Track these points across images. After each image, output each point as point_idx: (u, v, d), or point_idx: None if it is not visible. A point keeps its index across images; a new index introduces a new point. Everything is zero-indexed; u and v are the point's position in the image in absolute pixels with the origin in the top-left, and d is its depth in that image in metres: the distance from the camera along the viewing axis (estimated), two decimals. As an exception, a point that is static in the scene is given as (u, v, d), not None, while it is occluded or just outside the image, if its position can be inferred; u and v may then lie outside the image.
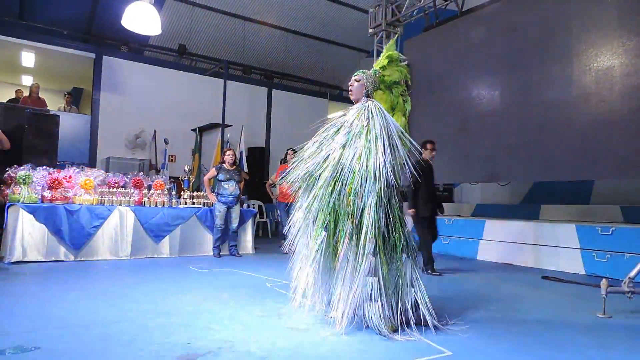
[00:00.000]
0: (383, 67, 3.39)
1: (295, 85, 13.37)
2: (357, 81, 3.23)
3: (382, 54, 3.45)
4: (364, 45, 12.40)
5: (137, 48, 10.89)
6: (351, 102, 3.31)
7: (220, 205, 6.29)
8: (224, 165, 6.44)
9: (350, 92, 3.26)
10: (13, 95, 10.02)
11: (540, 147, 5.87)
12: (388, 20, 8.33)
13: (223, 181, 6.34)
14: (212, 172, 6.51)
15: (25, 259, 5.15)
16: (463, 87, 7.11)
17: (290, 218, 3.16)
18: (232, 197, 6.35)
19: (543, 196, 7.76)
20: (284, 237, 4.10)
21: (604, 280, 3.51)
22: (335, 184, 2.90)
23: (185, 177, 7.01)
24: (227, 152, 6.56)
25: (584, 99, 5.55)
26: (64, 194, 5.65)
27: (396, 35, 5.76)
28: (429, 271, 5.22)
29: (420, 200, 5.23)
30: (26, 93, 9.73)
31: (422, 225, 5.28)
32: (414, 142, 3.10)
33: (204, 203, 6.69)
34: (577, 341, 2.84)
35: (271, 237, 9.69)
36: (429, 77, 7.74)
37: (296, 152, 5.35)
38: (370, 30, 8.69)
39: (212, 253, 6.37)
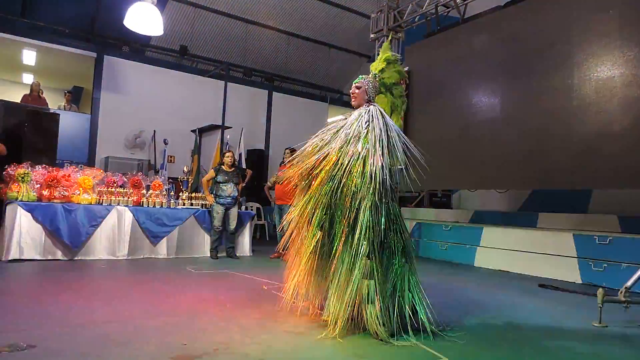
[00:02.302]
0: (382, 70, 3.41)
1: (295, 88, 13.38)
2: (357, 88, 3.24)
3: (378, 57, 3.47)
4: (366, 50, 12.44)
5: (138, 48, 10.89)
6: (351, 107, 3.32)
7: (218, 207, 6.29)
8: (223, 166, 6.45)
9: (353, 99, 3.26)
10: (14, 94, 10.01)
11: (539, 156, 5.87)
12: (390, 26, 8.36)
13: (221, 183, 6.34)
14: (211, 173, 6.51)
15: (22, 258, 5.13)
16: (463, 94, 7.12)
17: (283, 218, 3.17)
18: (231, 199, 6.35)
19: (541, 204, 7.76)
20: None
21: (600, 289, 3.51)
22: (331, 184, 2.90)
23: (184, 178, 7.01)
24: (226, 154, 6.57)
25: (584, 108, 5.56)
26: (62, 192, 5.64)
27: (389, 37, 5.72)
28: None
29: None
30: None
31: None
32: (411, 146, 3.07)
33: (202, 204, 6.68)
34: (572, 349, 2.85)
35: (269, 239, 9.68)
36: (430, 82, 7.76)
37: (293, 151, 5.37)
38: (372, 36, 8.70)
39: (209, 254, 6.36)
